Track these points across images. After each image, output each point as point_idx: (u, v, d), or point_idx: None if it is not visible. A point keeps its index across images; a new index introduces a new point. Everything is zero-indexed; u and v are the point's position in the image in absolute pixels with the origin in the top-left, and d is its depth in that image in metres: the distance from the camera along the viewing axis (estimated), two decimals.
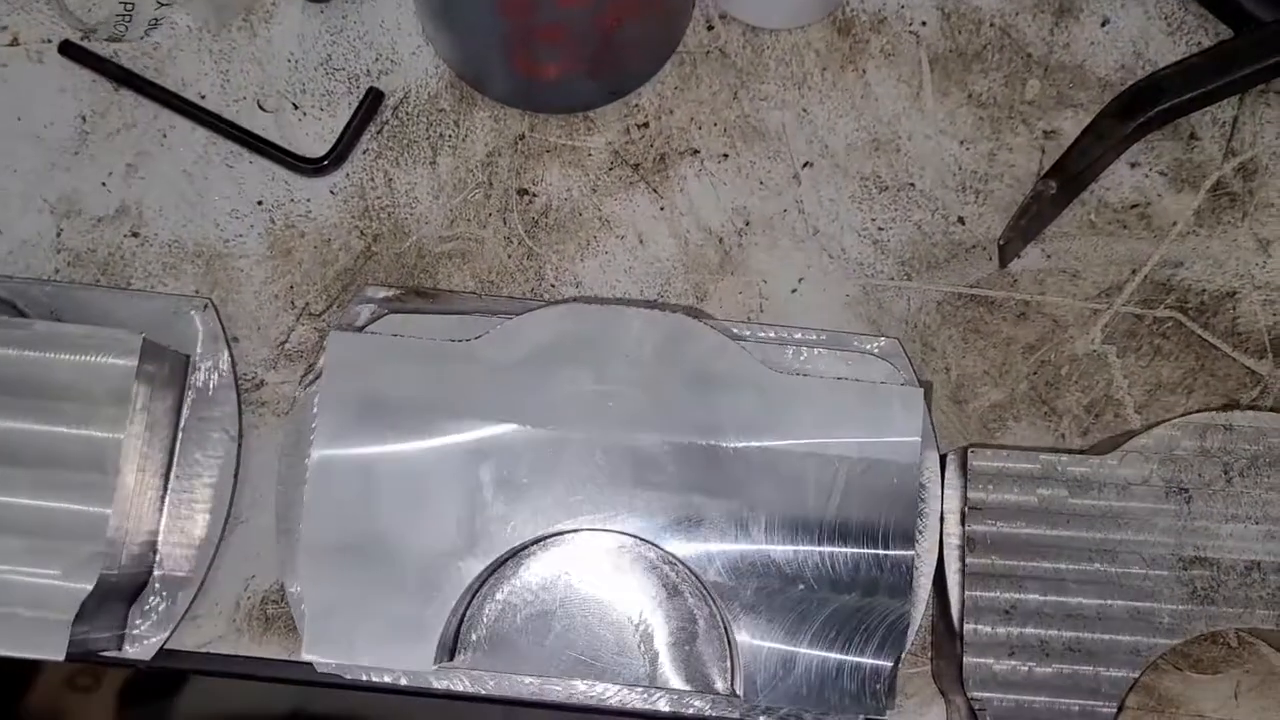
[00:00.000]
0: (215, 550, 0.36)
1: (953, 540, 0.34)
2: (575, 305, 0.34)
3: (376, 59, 0.39)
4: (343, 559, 0.32)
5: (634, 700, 0.34)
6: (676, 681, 0.34)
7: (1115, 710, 0.32)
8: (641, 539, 0.33)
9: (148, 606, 0.35)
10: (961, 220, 0.38)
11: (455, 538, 0.32)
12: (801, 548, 0.32)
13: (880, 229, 0.38)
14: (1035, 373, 0.37)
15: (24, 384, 0.33)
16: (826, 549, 0.32)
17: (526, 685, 0.34)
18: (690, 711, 0.34)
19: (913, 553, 0.32)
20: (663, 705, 0.34)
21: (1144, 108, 0.35)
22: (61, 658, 0.32)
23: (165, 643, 0.35)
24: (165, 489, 0.36)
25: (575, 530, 0.33)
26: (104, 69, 0.39)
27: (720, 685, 0.34)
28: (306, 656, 0.32)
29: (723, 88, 0.39)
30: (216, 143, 0.38)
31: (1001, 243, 0.36)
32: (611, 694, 0.34)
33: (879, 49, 0.39)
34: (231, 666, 0.36)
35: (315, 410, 0.34)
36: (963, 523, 0.33)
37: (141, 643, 0.35)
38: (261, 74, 0.39)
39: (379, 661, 0.32)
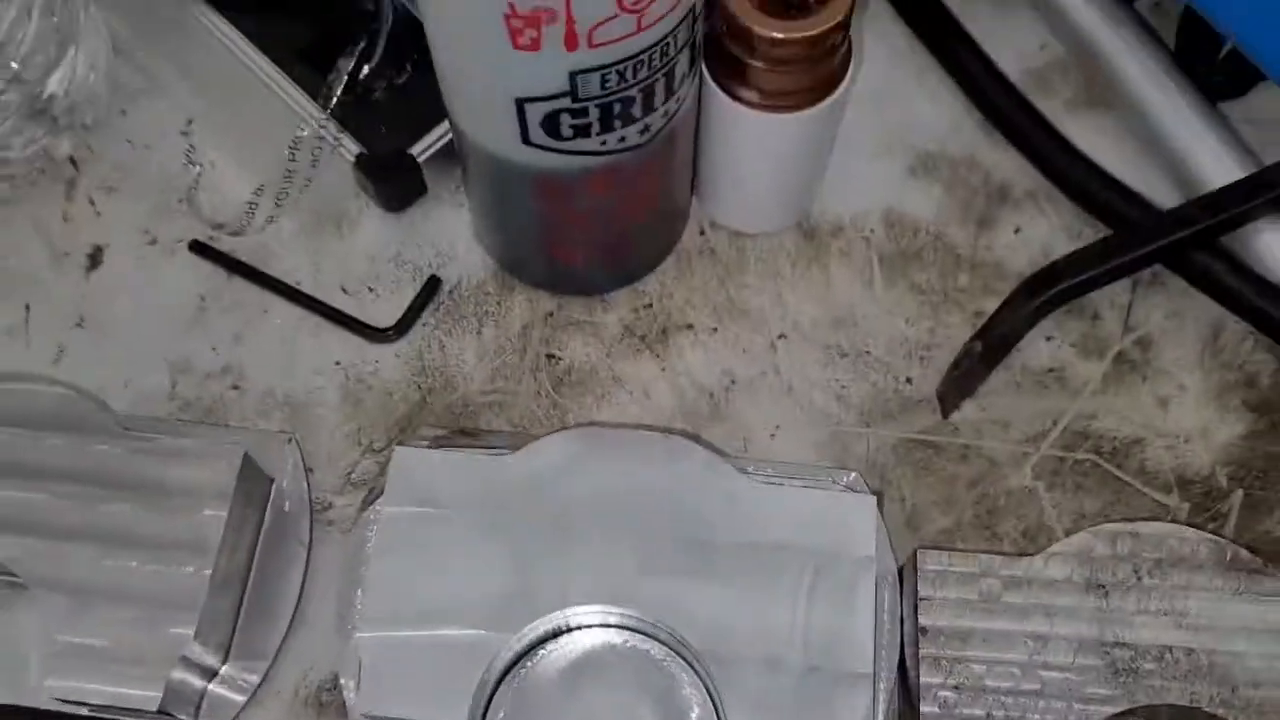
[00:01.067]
0: (280, 645, 0.42)
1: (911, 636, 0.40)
2: (591, 428, 0.42)
3: (436, 255, 0.49)
4: (395, 627, 0.39)
5: None
6: None
7: None
8: (639, 628, 0.40)
9: (216, 700, 0.41)
10: (909, 380, 0.47)
11: (491, 613, 0.38)
12: (777, 623, 0.39)
13: (843, 387, 0.47)
14: (977, 503, 0.45)
15: (144, 482, 0.41)
16: (799, 626, 0.39)
17: None
18: None
19: (871, 626, 0.38)
20: None
21: (1045, 287, 0.44)
22: (155, 709, 0.38)
23: (237, 715, 0.41)
24: (243, 594, 0.43)
25: (586, 618, 0.39)
26: (222, 261, 0.49)
27: None
28: (362, 710, 0.38)
29: (712, 277, 0.48)
30: (306, 318, 0.48)
31: (939, 391, 0.45)
32: None
33: (837, 249, 0.49)
34: None
35: (375, 520, 0.41)
36: (915, 615, 0.40)
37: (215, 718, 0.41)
38: (345, 267, 0.49)
39: (424, 714, 0.38)
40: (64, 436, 0.41)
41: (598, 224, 0.43)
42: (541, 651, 0.40)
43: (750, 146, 0.44)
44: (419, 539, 0.40)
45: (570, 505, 0.40)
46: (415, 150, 0.47)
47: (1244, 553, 0.41)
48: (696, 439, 0.42)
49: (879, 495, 0.43)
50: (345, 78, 0.47)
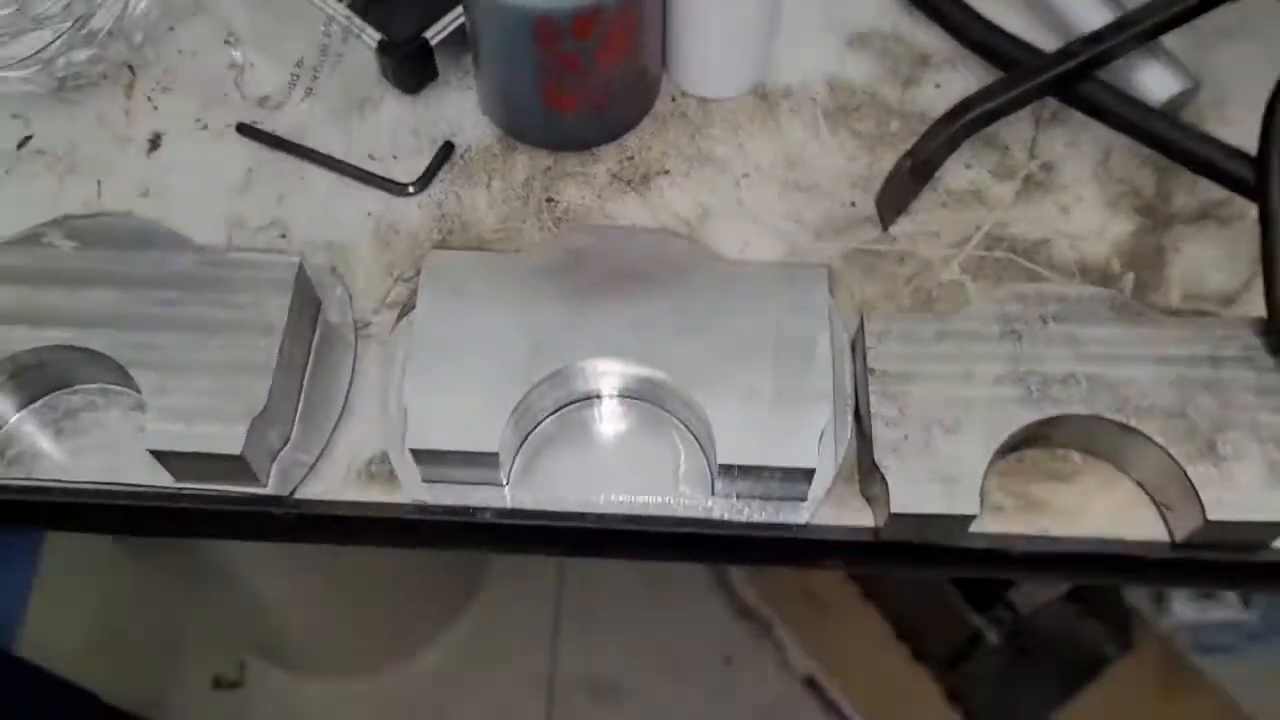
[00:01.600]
0: (334, 430, 0.50)
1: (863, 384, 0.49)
2: (592, 226, 0.50)
3: (448, 127, 0.58)
4: (434, 381, 0.46)
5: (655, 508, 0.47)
6: (668, 495, 0.47)
7: (985, 468, 0.45)
8: (635, 392, 0.48)
9: (284, 466, 0.49)
10: (854, 204, 0.55)
11: (519, 359, 0.46)
12: (751, 371, 0.47)
13: (798, 212, 0.55)
14: (914, 294, 0.53)
15: (219, 285, 0.48)
16: (768, 373, 0.47)
17: (573, 501, 0.48)
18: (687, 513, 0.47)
19: (829, 359, 0.47)
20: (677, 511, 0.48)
21: (961, 114, 0.53)
22: (238, 451, 0.45)
23: (299, 485, 0.49)
24: (302, 385, 0.50)
25: (598, 372, 0.47)
26: (265, 138, 0.57)
27: (701, 490, 0.47)
28: (411, 445, 0.45)
29: (683, 134, 0.57)
30: (339, 181, 0.56)
31: (877, 199, 0.53)
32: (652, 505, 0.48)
33: (788, 108, 0.58)
34: (341, 509, 0.49)
35: (409, 325, 0.49)
36: (865, 361, 0.48)
37: (281, 484, 0.48)
38: (371, 140, 0.57)
39: (462, 446, 0.45)
40: (149, 254, 0.49)
41: (585, 69, 0.52)
42: (558, 409, 0.49)
43: (711, 3, 0.53)
44: (453, 317, 0.48)
45: (577, 285, 0.48)
46: (429, 35, 0.56)
47: (1131, 301, 0.49)
48: (683, 236, 0.51)
49: (829, 273, 0.51)
50: None
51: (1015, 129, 0.57)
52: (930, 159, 0.54)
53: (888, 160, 0.56)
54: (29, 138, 0.58)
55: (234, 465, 0.46)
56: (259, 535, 0.50)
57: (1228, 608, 1.53)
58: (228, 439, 0.45)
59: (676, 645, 1.53)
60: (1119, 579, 0.50)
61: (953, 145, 0.55)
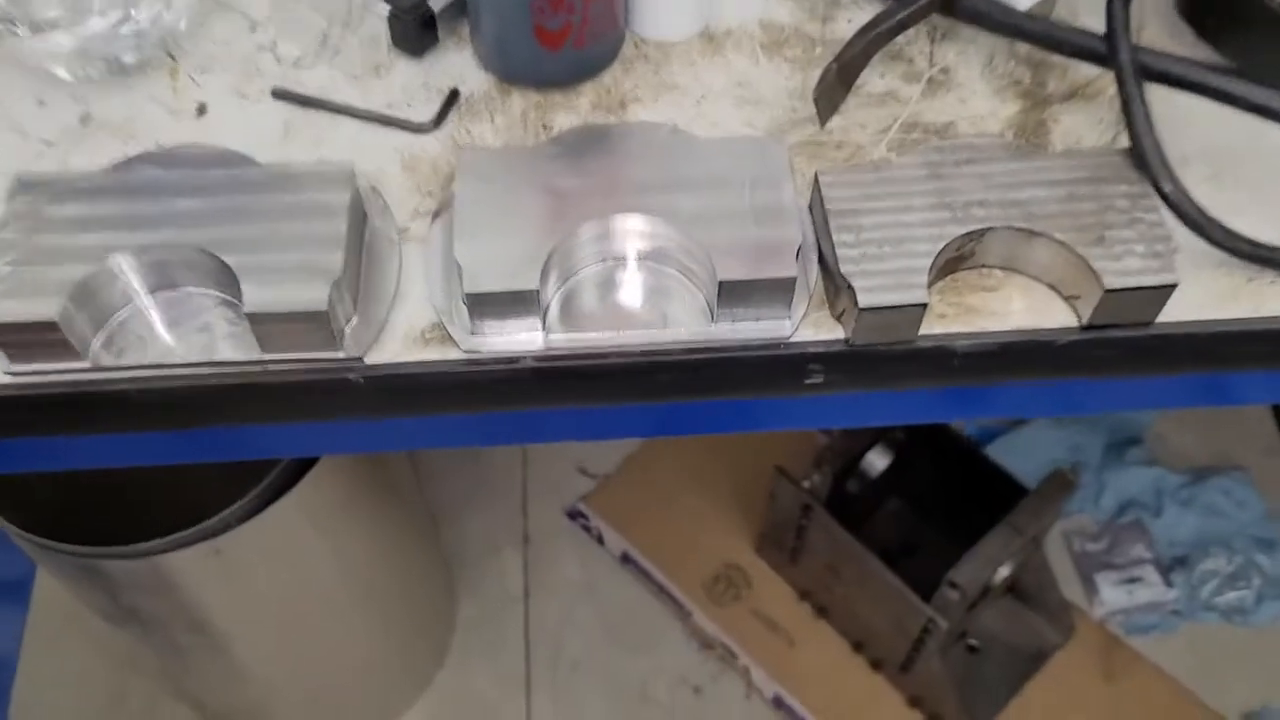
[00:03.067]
0: (390, 305, 0.59)
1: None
2: (593, 124, 0.62)
3: (452, 80, 0.69)
4: (478, 241, 0.56)
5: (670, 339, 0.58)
6: (677, 324, 0.58)
7: (928, 269, 0.57)
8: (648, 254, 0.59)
9: (353, 335, 0.58)
10: (795, 110, 0.68)
11: (544, 222, 0.57)
12: (735, 217, 0.58)
13: (750, 121, 0.67)
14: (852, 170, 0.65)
15: (285, 184, 0.58)
16: (749, 217, 0.58)
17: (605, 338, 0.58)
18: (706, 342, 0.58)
19: (794, 197, 0.58)
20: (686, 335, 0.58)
21: (871, 29, 0.66)
22: (324, 307, 0.54)
23: (368, 350, 0.58)
24: (360, 273, 0.60)
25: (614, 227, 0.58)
26: (298, 99, 0.67)
27: (703, 319, 0.58)
28: (467, 289, 0.55)
29: (648, 71, 0.69)
30: (366, 126, 0.67)
31: (814, 96, 0.66)
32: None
33: (731, 44, 0.71)
34: (406, 369, 0.58)
35: (446, 215, 0.60)
36: (824, 205, 0.59)
37: (354, 347, 0.58)
38: (388, 95, 0.68)
39: (507, 286, 0.55)
40: (224, 170, 0.59)
41: (570, 5, 0.64)
42: (583, 267, 0.59)
43: None
44: (487, 194, 0.58)
45: (588, 165, 0.59)
46: (432, 3, 0.68)
47: (1024, 144, 0.62)
48: (666, 125, 0.63)
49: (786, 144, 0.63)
50: None
51: (916, 44, 0.70)
52: (851, 65, 0.67)
53: (816, 77, 0.69)
54: (89, 114, 0.67)
55: (317, 325, 0.55)
56: (335, 404, 0.59)
57: (1151, 588, 1.65)
58: (313, 297, 0.55)
59: (647, 683, 1.58)
60: (1045, 367, 0.61)
61: (868, 53, 0.67)
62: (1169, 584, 1.63)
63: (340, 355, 0.57)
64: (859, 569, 1.46)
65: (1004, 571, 1.48)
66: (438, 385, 0.59)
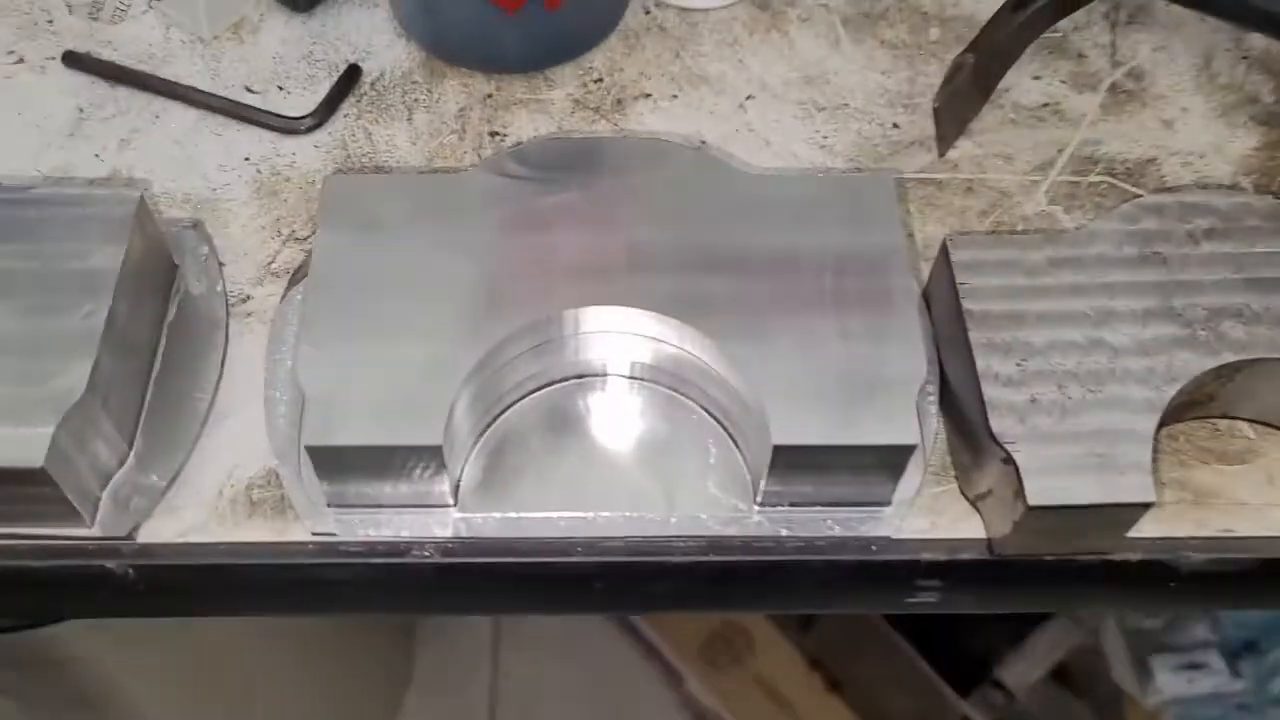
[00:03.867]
0: (195, 441, 0.34)
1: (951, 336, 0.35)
2: (568, 136, 0.36)
3: (354, 51, 0.43)
4: (342, 350, 0.31)
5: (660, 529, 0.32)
6: (692, 505, 0.33)
7: (1153, 436, 0.32)
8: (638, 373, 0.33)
9: (122, 495, 0.33)
10: (896, 125, 0.42)
11: (464, 318, 0.32)
12: (804, 319, 0.32)
13: (825, 138, 0.42)
14: (993, 231, 0.40)
15: (20, 230, 0.33)
16: (830, 321, 0.32)
17: (537, 524, 0.32)
18: (711, 532, 0.32)
19: (913, 285, 0.32)
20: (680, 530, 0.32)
21: (1019, 8, 0.41)
22: (40, 464, 0.29)
23: (139, 526, 0.33)
24: (148, 380, 0.35)
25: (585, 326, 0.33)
26: (103, 70, 0.42)
27: (737, 499, 0.33)
28: (309, 442, 0.30)
29: (664, 51, 0.44)
30: (205, 118, 0.41)
31: (935, 106, 0.40)
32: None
33: (795, 17, 0.45)
34: (210, 555, 0.33)
35: (303, 296, 0.34)
36: (958, 303, 0.34)
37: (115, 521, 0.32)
38: (249, 68, 0.43)
39: (388, 439, 0.30)
40: None
41: None
42: (530, 391, 0.34)
43: None
44: (367, 258, 0.33)
45: (554, 207, 0.34)
46: None
47: None
48: (687, 144, 0.37)
49: (898, 177, 0.37)
50: None
51: (1088, 32, 0.45)
52: (995, 59, 0.41)
53: (932, 75, 0.43)
54: None
55: (38, 490, 0.30)
56: (87, 602, 0.34)
57: (1215, 676, 1.42)
58: (24, 445, 0.29)
59: None
60: None
61: (1021, 42, 0.42)
62: (1236, 673, 1.40)
63: (89, 534, 0.32)
64: (882, 644, 1.25)
65: (1053, 658, 1.27)
66: (266, 583, 0.34)
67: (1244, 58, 0.44)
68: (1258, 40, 0.44)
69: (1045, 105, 0.43)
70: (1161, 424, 0.32)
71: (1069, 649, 1.27)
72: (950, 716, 1.25)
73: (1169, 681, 1.40)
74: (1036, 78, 0.43)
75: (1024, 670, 1.24)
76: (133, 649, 0.92)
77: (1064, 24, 0.44)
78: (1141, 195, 0.40)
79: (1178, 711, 1.38)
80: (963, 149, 0.41)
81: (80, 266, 0.32)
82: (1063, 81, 0.43)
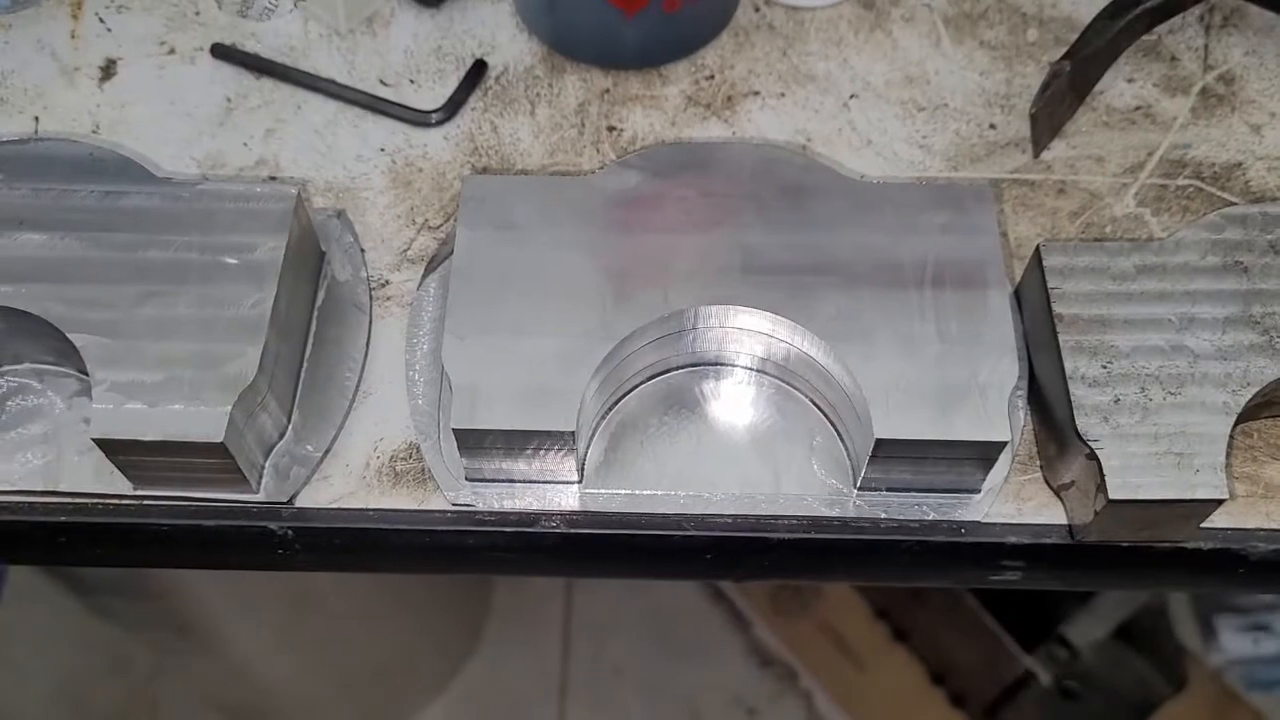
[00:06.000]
0: (345, 416, 0.38)
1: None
2: (681, 144, 0.38)
3: (479, 45, 0.46)
4: (484, 341, 0.34)
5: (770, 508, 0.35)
6: (797, 486, 0.36)
7: (1228, 437, 0.34)
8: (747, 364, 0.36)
9: (282, 465, 0.37)
10: (993, 126, 0.44)
11: (594, 313, 0.35)
12: (905, 322, 0.35)
13: (924, 138, 0.44)
14: (1083, 232, 0.42)
15: (191, 225, 0.36)
16: (930, 324, 0.35)
17: (657, 499, 0.36)
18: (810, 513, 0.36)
19: (1008, 295, 0.35)
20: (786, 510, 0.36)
21: (1122, 11, 0.42)
22: (220, 439, 0.33)
23: (301, 488, 0.36)
24: (302, 360, 0.38)
25: (695, 312, 0.36)
26: (248, 62, 0.45)
27: (839, 482, 0.36)
28: (455, 425, 0.33)
29: (773, 49, 0.46)
30: (344, 110, 0.45)
31: (1032, 112, 0.42)
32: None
33: (899, 16, 0.47)
34: (360, 520, 0.37)
35: (450, 270, 0.37)
36: (1049, 306, 0.36)
37: (277, 487, 0.36)
38: (382, 62, 0.46)
39: (527, 424, 0.33)
40: (97, 187, 0.37)
41: None
42: (650, 378, 0.37)
43: None
44: (504, 257, 0.36)
45: (667, 212, 0.37)
46: None
47: None
48: (795, 151, 0.39)
49: (995, 187, 0.40)
50: None
51: (1182, 35, 0.46)
52: (1090, 65, 0.43)
53: (1028, 75, 0.45)
54: None
55: (214, 461, 0.34)
56: (249, 559, 0.38)
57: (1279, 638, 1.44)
58: (205, 422, 0.33)
59: (695, 699, 1.41)
60: None
61: (1116, 49, 0.44)
62: None
63: (255, 499, 0.36)
64: (949, 601, 1.27)
65: (1117, 618, 1.29)
66: (408, 547, 0.37)
67: None
68: None
69: (1137, 108, 0.44)
70: (1235, 425, 0.35)
71: (1135, 607, 1.28)
72: (1014, 669, 1.28)
73: (1233, 641, 1.42)
74: (1130, 80, 0.45)
75: (1089, 628, 1.26)
76: (230, 583, 0.98)
77: (1159, 28, 0.45)
78: (1227, 199, 0.42)
79: (1241, 671, 1.40)
80: (1056, 150, 0.44)
81: (247, 259, 0.36)
82: (1155, 85, 0.45)
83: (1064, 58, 0.42)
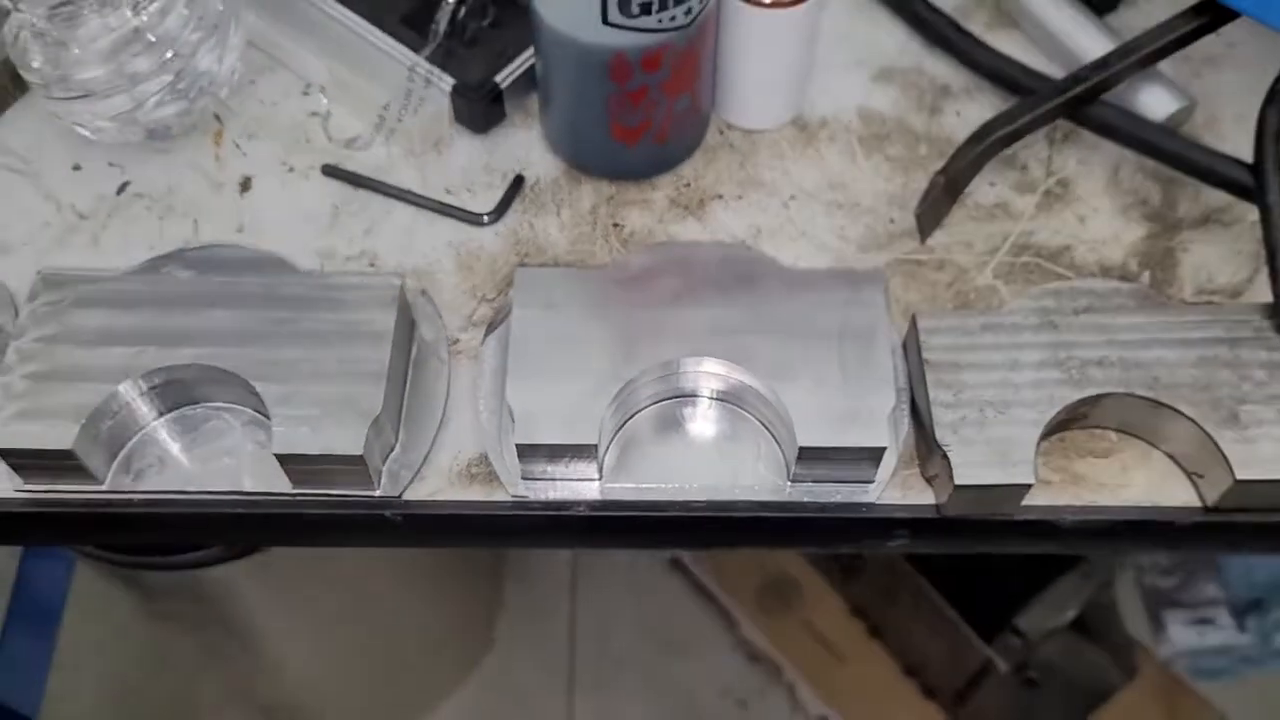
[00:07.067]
0: (435, 435, 0.54)
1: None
2: (665, 244, 0.55)
3: (517, 163, 0.63)
4: (535, 383, 0.51)
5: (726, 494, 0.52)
6: (749, 480, 0.52)
7: (1036, 441, 0.50)
8: (715, 394, 0.53)
9: (393, 469, 0.53)
10: (893, 220, 0.61)
11: (609, 363, 0.51)
12: (821, 365, 0.52)
13: (843, 229, 0.61)
14: (954, 298, 0.58)
15: (328, 304, 0.53)
16: (836, 368, 0.52)
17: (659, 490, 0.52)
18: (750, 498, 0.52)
19: (890, 347, 0.52)
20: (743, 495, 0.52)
21: (985, 135, 0.59)
22: (360, 452, 0.49)
23: (407, 487, 0.53)
24: (403, 396, 0.55)
25: (684, 368, 0.52)
26: (349, 178, 0.62)
27: (777, 477, 0.52)
28: (518, 441, 0.50)
29: (733, 162, 0.63)
30: (420, 213, 0.61)
31: (916, 212, 0.59)
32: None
33: (825, 136, 0.64)
34: (448, 509, 0.53)
35: (499, 338, 0.54)
36: (921, 354, 0.53)
37: (392, 485, 0.53)
38: (446, 175, 0.62)
39: (565, 439, 0.50)
40: (261, 277, 0.54)
41: (651, 102, 0.57)
42: (648, 405, 0.53)
43: (756, 41, 0.59)
44: (545, 323, 0.53)
45: (657, 293, 0.53)
46: (499, 78, 0.61)
47: (1151, 292, 0.55)
48: (745, 248, 0.56)
49: (885, 274, 0.56)
50: (444, 27, 0.61)
51: (1032, 149, 0.63)
52: (960, 176, 0.60)
53: (920, 181, 0.62)
54: (127, 183, 0.62)
55: (351, 468, 0.50)
56: (370, 538, 0.54)
57: (1222, 631, 1.57)
58: (349, 441, 0.49)
59: (692, 693, 1.55)
60: (1160, 545, 0.55)
61: (979, 164, 0.60)
62: (1242, 628, 1.55)
63: (377, 494, 0.52)
64: (915, 596, 1.41)
65: (1071, 614, 1.43)
66: (481, 526, 0.54)
67: (1140, 170, 0.62)
68: (1149, 160, 0.62)
69: (997, 205, 0.61)
70: (1044, 435, 0.51)
71: (1085, 602, 1.42)
72: (976, 659, 1.41)
73: (1180, 634, 1.56)
74: (991, 184, 0.62)
75: (1041, 619, 1.38)
76: (275, 590, 1.13)
77: (1015, 145, 0.62)
78: (1059, 272, 0.59)
79: (1188, 662, 1.54)
80: (937, 238, 0.60)
81: (368, 329, 0.52)
82: (1010, 187, 0.62)
83: (941, 171, 0.59)
